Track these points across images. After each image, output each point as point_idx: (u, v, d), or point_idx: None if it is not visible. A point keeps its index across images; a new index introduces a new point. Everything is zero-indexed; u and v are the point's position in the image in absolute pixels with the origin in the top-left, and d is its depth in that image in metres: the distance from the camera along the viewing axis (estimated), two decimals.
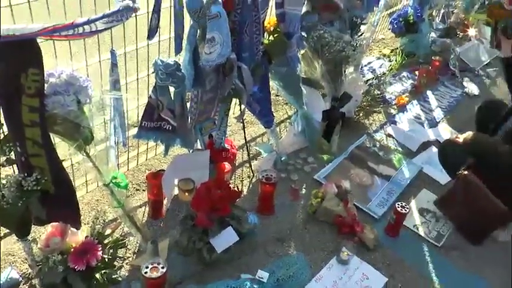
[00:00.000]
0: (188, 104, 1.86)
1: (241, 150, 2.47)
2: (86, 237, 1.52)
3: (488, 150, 2.07)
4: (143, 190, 2.14)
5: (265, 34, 2.09)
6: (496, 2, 4.53)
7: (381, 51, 3.83)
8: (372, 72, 3.44)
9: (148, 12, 1.61)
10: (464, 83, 3.55)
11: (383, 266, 1.94)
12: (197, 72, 1.72)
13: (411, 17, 3.57)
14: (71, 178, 1.61)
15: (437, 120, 3.07)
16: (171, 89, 1.73)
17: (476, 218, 2.08)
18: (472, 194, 2.07)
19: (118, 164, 2.09)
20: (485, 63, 3.88)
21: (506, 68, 2.36)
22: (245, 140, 2.29)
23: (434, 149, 2.64)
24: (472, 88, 3.49)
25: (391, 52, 3.79)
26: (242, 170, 2.37)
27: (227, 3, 1.73)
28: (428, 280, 1.93)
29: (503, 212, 1.99)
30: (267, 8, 2.02)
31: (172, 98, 1.74)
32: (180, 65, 1.67)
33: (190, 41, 1.68)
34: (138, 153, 2.28)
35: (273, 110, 2.40)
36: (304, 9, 2.28)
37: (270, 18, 2.13)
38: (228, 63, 1.73)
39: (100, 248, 1.49)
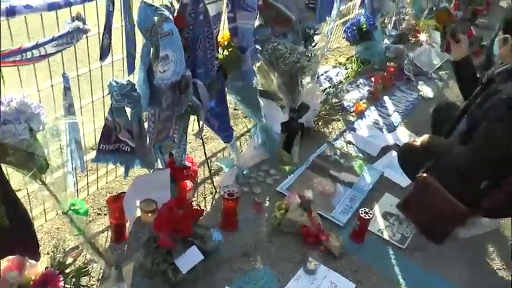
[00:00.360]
0: (146, 124, 1.89)
1: (202, 166, 2.50)
2: (46, 268, 1.51)
3: (443, 152, 2.18)
4: (105, 214, 2.14)
5: (219, 49, 2.15)
6: (443, 8, 4.81)
7: (336, 60, 3.97)
8: (328, 80, 3.57)
9: (99, 33, 1.64)
10: (419, 87, 3.73)
11: (350, 273, 2.01)
12: (153, 91, 1.76)
13: (364, 25, 3.73)
14: (28, 208, 1.60)
15: (396, 125, 3.20)
16: (128, 110, 1.76)
17: (437, 219, 2.19)
18: (431, 196, 2.18)
19: (77, 190, 2.09)
20: (437, 66, 4.09)
21: (456, 70, 2.50)
22: (205, 156, 2.33)
23: (394, 153, 2.75)
24: (426, 91, 3.66)
25: (347, 60, 3.94)
26: (204, 187, 2.41)
27: (179, 20, 1.78)
28: (395, 283, 2.01)
29: (462, 211, 2.10)
30: (220, 23, 2.09)
31: (130, 119, 1.77)
32: (134, 85, 1.71)
33: (144, 60, 1.72)
34: (97, 177, 2.28)
35: (232, 124, 2.46)
36: (257, 22, 2.36)
37: (223, 33, 2.19)
38: (183, 80, 1.78)
39: (61, 278, 1.48)
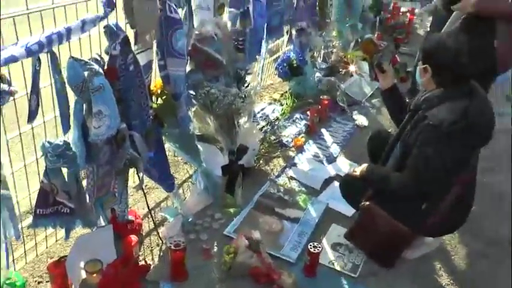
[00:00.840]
0: (84, 182, 1.90)
1: (146, 218, 2.52)
2: None
3: (381, 179, 2.34)
4: (47, 281, 2.09)
5: (153, 98, 2.22)
6: (367, 39, 5.16)
7: (271, 97, 4.15)
8: (265, 118, 3.72)
9: (27, 94, 1.65)
10: (354, 116, 3.96)
11: None
12: (89, 148, 1.79)
13: (294, 61, 3.95)
14: None
15: (335, 156, 3.37)
16: (64, 170, 1.77)
17: (384, 244, 2.32)
18: (376, 222, 2.31)
19: (13, 260, 2.03)
20: (369, 95, 4.37)
21: (385, 99, 2.70)
22: (148, 208, 2.36)
23: (337, 184, 2.89)
24: (361, 120, 3.90)
25: (281, 96, 4.13)
26: (150, 239, 2.42)
27: (110, 73, 1.84)
28: None
29: (406, 233, 2.25)
30: (151, 72, 2.17)
31: (67, 179, 1.78)
32: (69, 144, 1.73)
33: (77, 117, 1.75)
34: (36, 243, 2.23)
35: (173, 171, 2.51)
36: (188, 67, 2.46)
37: (156, 81, 2.27)
38: (119, 134, 1.82)
39: None
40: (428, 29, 4.35)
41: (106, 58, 1.87)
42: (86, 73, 1.69)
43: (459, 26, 2.63)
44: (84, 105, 1.77)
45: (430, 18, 6.82)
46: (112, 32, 1.85)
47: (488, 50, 2.50)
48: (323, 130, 3.71)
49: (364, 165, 2.49)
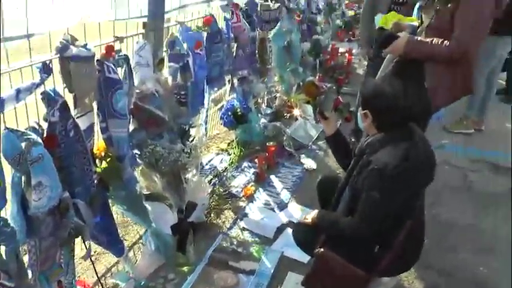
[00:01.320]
0: (26, 257, 1.83)
1: (96, 287, 2.44)
2: None
3: (333, 225, 2.39)
4: None
5: (97, 161, 2.20)
6: (309, 82, 5.35)
7: (218, 147, 4.18)
8: (213, 169, 3.73)
9: None
10: (302, 160, 4.05)
11: None
12: (29, 221, 1.73)
13: (239, 109, 4.02)
14: None
15: (286, 202, 3.42)
16: (2, 248, 1.70)
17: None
18: (331, 268, 2.34)
19: None
20: (315, 137, 4.49)
21: (329, 144, 2.79)
22: (97, 276, 2.29)
23: (290, 231, 2.92)
24: (309, 163, 3.99)
25: (228, 145, 4.18)
26: None
27: (49, 141, 1.82)
28: None
29: (362, 276, 2.29)
30: (93, 135, 2.16)
31: (5, 257, 1.71)
32: (7, 219, 1.67)
33: (16, 191, 1.71)
34: None
35: (122, 233, 2.46)
36: (131, 127, 2.47)
37: (98, 143, 2.26)
38: (61, 203, 1.79)
39: None
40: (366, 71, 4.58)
41: (45, 125, 1.86)
42: (23, 144, 1.66)
43: (392, 69, 2.78)
44: (22, 177, 1.73)
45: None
46: (50, 98, 1.84)
47: (421, 92, 2.65)
48: (272, 177, 3.76)
49: (315, 212, 2.53)
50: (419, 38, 2.61)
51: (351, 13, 10.96)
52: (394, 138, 2.19)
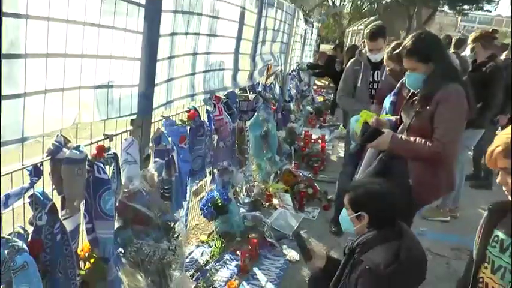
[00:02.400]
0: None
1: None
2: None
3: None
4: None
5: (80, 262, 2.11)
6: (286, 170, 5.43)
7: (198, 238, 4.09)
8: (195, 263, 3.62)
9: None
10: (284, 251, 3.97)
11: None
12: None
13: (219, 200, 3.99)
14: None
15: None
16: None
17: None
18: None
19: None
20: (295, 227, 4.44)
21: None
22: None
23: None
24: (292, 254, 3.91)
25: (209, 237, 4.09)
26: None
27: (34, 245, 1.76)
28: None
29: None
30: (78, 237, 2.09)
31: None
32: None
33: None
34: None
35: None
36: (116, 224, 2.40)
37: (83, 244, 2.18)
38: None
39: None
40: (343, 162, 4.66)
41: (30, 229, 1.79)
42: (6, 252, 1.59)
43: (376, 166, 2.84)
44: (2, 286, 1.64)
45: (341, 144, 7.39)
46: (38, 201, 1.80)
47: (409, 189, 2.71)
48: (255, 269, 3.66)
49: None
50: (403, 136, 2.70)
51: (320, 99, 11.42)
52: (385, 237, 2.20)
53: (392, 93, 3.34)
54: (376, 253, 2.14)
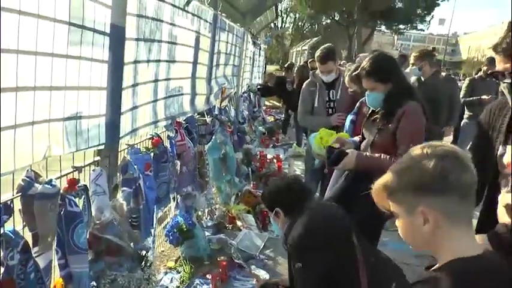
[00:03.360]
0: None
1: None
2: None
3: None
4: None
5: None
6: (246, 191, 5.44)
7: (166, 265, 4.00)
8: None
9: None
10: (253, 271, 3.95)
11: None
12: None
13: (183, 225, 3.93)
14: None
15: None
16: None
17: None
18: None
19: None
20: (261, 246, 4.43)
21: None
22: None
23: None
24: (261, 274, 3.90)
25: (176, 263, 4.00)
26: None
27: (5, 287, 1.67)
28: None
29: None
30: (51, 273, 2.00)
31: None
32: None
33: None
34: None
35: None
36: (90, 255, 2.32)
37: (55, 280, 2.09)
38: None
39: None
40: (305, 179, 4.71)
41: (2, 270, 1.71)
42: None
43: (344, 183, 2.90)
44: None
45: (297, 162, 7.49)
46: (9, 241, 1.71)
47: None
48: None
49: None
50: (368, 154, 2.78)
51: (270, 119, 11.54)
52: (295, 217, 2.41)
53: (352, 112, 3.44)
54: (292, 232, 2.33)
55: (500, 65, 1.82)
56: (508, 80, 1.81)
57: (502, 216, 1.73)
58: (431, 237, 1.27)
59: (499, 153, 1.94)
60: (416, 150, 1.30)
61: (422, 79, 5.23)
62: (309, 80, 4.44)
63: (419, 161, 1.26)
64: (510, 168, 1.80)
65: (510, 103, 1.90)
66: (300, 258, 2.26)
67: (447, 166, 1.22)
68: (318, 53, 4.25)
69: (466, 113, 6.93)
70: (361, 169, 2.78)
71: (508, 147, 1.89)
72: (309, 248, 2.24)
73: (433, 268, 1.30)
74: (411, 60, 5.43)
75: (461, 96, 6.76)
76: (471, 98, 6.72)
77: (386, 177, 1.36)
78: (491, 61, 7.15)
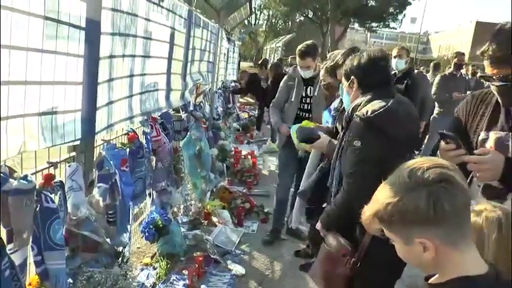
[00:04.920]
0: None
1: None
2: None
3: (338, 210, 2.33)
4: None
5: None
6: (221, 187, 5.45)
7: (141, 261, 3.97)
8: (142, 287, 3.51)
9: None
10: (229, 266, 3.97)
11: None
12: None
13: (159, 221, 3.91)
14: None
15: None
16: None
17: None
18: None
19: None
20: (237, 241, 4.45)
21: None
22: None
23: None
24: (237, 269, 3.92)
25: (152, 259, 3.99)
26: None
27: None
28: None
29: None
30: (26, 270, 1.98)
31: None
32: None
33: None
34: None
35: None
36: (66, 252, 2.30)
37: (31, 277, 2.07)
38: None
39: None
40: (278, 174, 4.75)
41: None
42: None
43: (319, 174, 2.93)
44: None
45: (271, 158, 7.53)
46: None
47: None
48: (203, 287, 3.62)
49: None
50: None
51: (244, 115, 11.55)
52: (376, 95, 2.26)
53: (333, 108, 3.45)
54: (367, 107, 2.20)
55: (488, 70, 1.89)
56: (496, 83, 1.88)
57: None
58: (433, 262, 1.23)
59: (480, 138, 2.00)
60: (405, 175, 1.22)
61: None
62: (288, 74, 4.50)
63: (410, 192, 1.19)
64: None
65: (501, 103, 1.97)
66: (361, 135, 2.16)
67: (440, 195, 1.16)
68: (299, 47, 4.28)
69: (436, 109, 7.08)
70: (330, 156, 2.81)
71: (491, 133, 1.96)
72: (378, 129, 2.13)
73: (435, 282, 1.27)
74: (393, 53, 5.51)
75: (432, 92, 6.92)
76: (443, 95, 6.86)
77: (377, 206, 1.27)
78: (459, 53, 7.44)
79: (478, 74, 6.83)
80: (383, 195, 1.25)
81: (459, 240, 1.21)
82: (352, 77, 2.39)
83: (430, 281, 1.28)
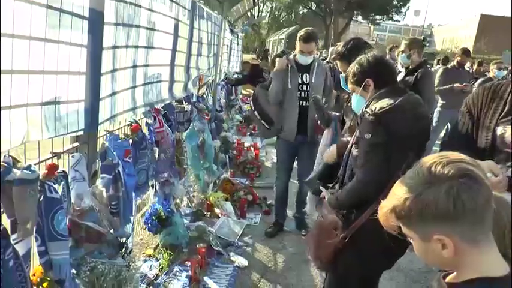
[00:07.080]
0: None
1: None
2: None
3: (347, 196, 2.41)
4: None
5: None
6: (224, 178, 5.44)
7: (144, 253, 3.98)
8: (145, 278, 3.52)
9: None
10: (232, 258, 3.98)
11: None
12: None
13: (162, 213, 3.91)
14: None
15: None
16: None
17: None
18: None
19: None
20: (239, 234, 4.46)
21: None
22: None
23: None
24: (240, 260, 3.93)
25: (155, 250, 4.00)
26: None
27: None
28: None
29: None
30: (30, 260, 1.98)
31: None
32: None
33: None
34: None
35: None
36: (70, 242, 2.29)
37: (34, 268, 2.07)
38: None
39: None
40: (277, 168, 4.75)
41: None
42: None
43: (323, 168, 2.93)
44: None
45: (274, 150, 7.52)
46: None
47: None
48: (206, 278, 3.63)
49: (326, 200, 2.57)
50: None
51: (247, 107, 11.51)
52: (387, 92, 2.35)
53: None
54: (377, 103, 2.29)
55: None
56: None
57: None
58: (451, 260, 1.18)
59: (499, 132, 1.97)
60: (425, 170, 1.18)
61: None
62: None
63: (429, 187, 1.15)
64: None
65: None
66: (371, 129, 2.23)
67: (461, 191, 1.11)
68: (301, 33, 4.25)
69: (440, 102, 7.05)
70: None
71: (508, 127, 1.94)
72: (385, 125, 2.21)
73: (453, 281, 1.23)
74: (401, 47, 5.43)
75: (435, 85, 6.87)
76: (444, 87, 6.83)
77: (394, 202, 1.22)
78: (465, 52, 7.30)
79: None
80: (401, 191, 1.21)
81: (479, 237, 1.17)
82: (366, 79, 2.43)
83: (447, 280, 1.24)
